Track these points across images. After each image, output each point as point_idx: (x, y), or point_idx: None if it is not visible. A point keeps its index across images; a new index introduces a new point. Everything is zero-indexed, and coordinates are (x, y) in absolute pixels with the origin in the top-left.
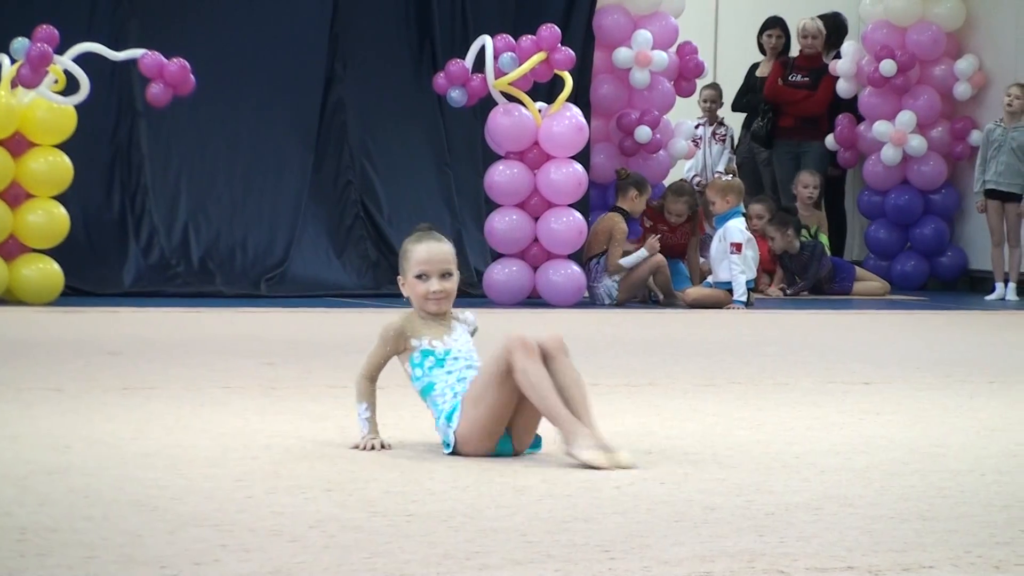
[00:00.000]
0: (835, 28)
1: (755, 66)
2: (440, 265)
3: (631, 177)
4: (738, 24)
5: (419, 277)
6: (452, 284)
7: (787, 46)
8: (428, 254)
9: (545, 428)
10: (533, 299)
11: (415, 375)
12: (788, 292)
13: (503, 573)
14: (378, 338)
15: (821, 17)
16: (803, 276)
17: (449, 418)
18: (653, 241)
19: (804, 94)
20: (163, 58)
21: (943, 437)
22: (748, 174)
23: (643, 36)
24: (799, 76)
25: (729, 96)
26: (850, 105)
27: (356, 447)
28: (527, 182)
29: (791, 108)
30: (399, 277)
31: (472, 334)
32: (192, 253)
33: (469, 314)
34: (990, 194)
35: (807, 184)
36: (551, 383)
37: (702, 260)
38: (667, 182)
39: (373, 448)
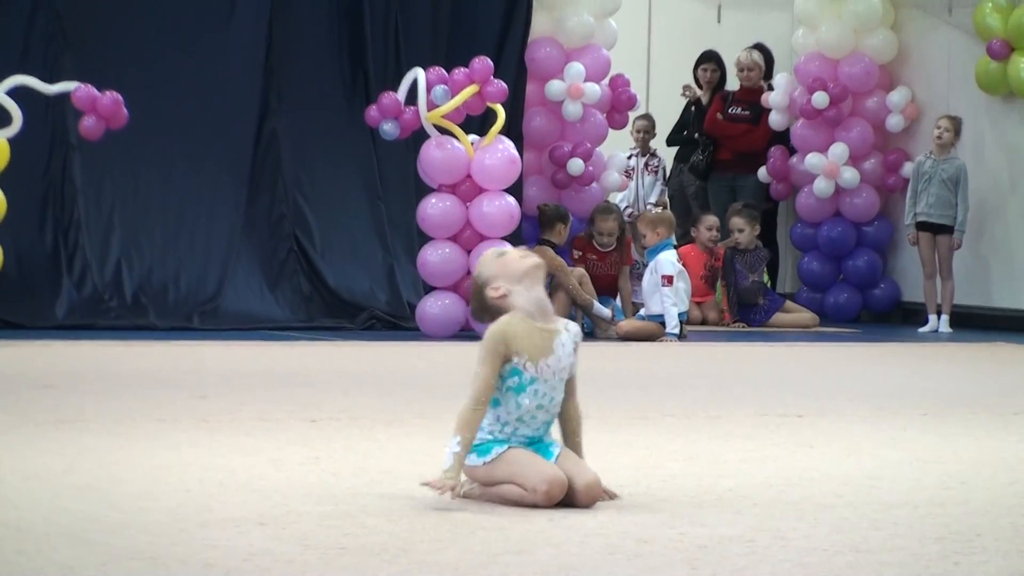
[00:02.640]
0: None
1: (691, 102)
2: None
3: (555, 211)
4: (670, 56)
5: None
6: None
7: (723, 79)
8: (517, 253)
9: None
10: (466, 331)
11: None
12: (738, 320)
13: None
14: (484, 352)
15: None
16: (754, 272)
17: (478, 451)
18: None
19: (744, 128)
20: (96, 91)
21: (876, 469)
22: (678, 206)
23: (576, 69)
24: (739, 109)
25: (662, 127)
26: (783, 137)
27: (428, 484)
28: (460, 215)
29: (730, 142)
30: (496, 289)
31: (574, 350)
32: (125, 287)
33: (573, 325)
34: (921, 226)
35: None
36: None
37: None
38: None
39: (444, 493)
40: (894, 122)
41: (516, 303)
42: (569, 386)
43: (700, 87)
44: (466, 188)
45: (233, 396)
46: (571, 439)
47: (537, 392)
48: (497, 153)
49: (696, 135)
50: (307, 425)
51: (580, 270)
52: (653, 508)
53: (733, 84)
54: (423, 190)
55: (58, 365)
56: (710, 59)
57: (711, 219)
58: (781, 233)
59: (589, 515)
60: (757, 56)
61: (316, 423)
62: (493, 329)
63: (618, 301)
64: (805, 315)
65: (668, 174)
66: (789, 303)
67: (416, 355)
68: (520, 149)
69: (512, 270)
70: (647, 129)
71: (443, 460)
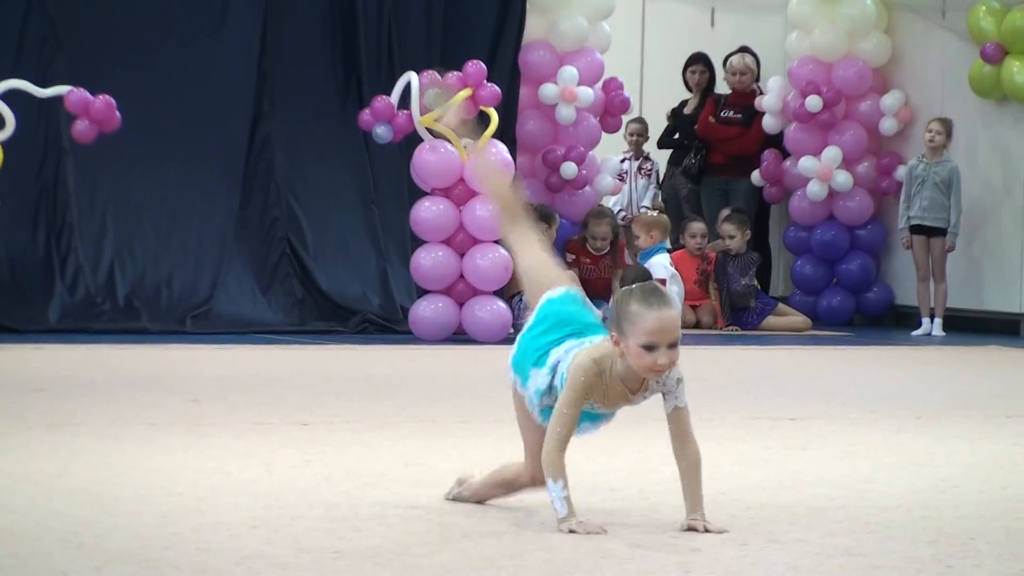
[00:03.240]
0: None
1: (683, 103)
2: (671, 335)
3: (540, 210)
4: (663, 59)
5: (646, 348)
6: (678, 354)
7: (712, 81)
8: (660, 324)
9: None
10: (459, 335)
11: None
12: (731, 323)
13: None
14: (573, 395)
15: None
16: (745, 276)
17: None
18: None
19: (737, 131)
20: (89, 95)
21: (870, 473)
22: (672, 209)
23: (569, 72)
24: (731, 112)
25: (655, 130)
26: (776, 140)
27: (574, 532)
28: (453, 219)
29: (723, 145)
30: (613, 333)
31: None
32: (118, 290)
33: (672, 381)
34: (915, 229)
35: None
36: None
37: None
38: None
39: (597, 532)
40: (887, 125)
41: (620, 361)
42: (673, 428)
43: (690, 89)
44: (459, 192)
45: (226, 400)
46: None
47: (595, 418)
48: (491, 156)
49: (685, 140)
50: (299, 429)
51: (571, 273)
52: (646, 512)
53: (723, 87)
54: (416, 194)
55: (51, 368)
56: (698, 60)
57: (695, 226)
58: (774, 236)
59: (582, 519)
60: (749, 60)
61: (308, 427)
62: (584, 380)
63: (611, 304)
64: (797, 319)
65: (661, 178)
66: (782, 306)
67: (409, 359)
68: (513, 152)
69: (643, 331)
70: (640, 132)
71: (557, 511)
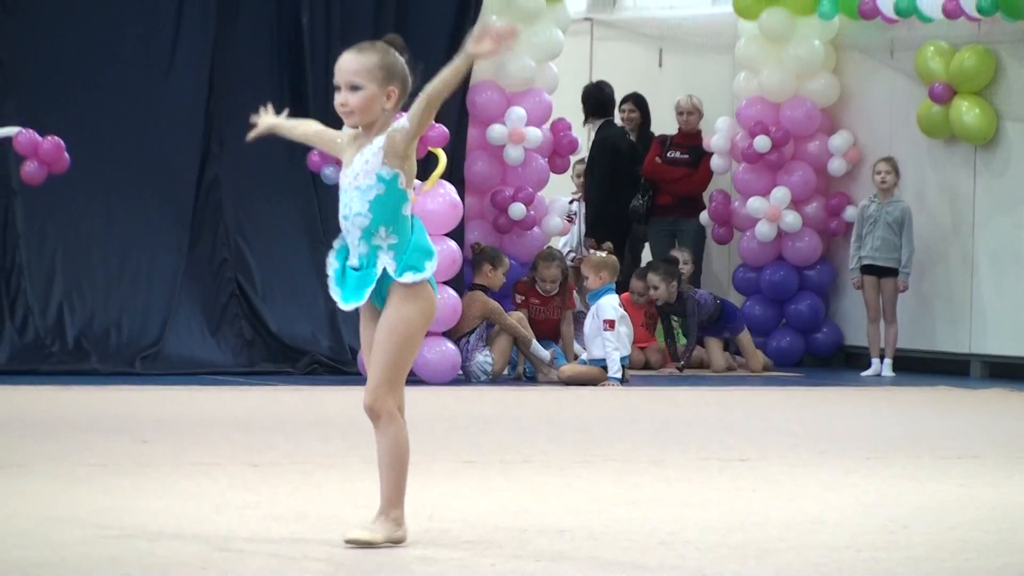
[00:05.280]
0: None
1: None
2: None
3: (485, 252)
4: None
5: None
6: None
7: (645, 121)
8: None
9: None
10: (408, 376)
11: None
12: (681, 364)
13: None
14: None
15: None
16: (683, 324)
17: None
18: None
19: (684, 172)
20: (38, 136)
21: (819, 513)
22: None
23: (517, 113)
24: (678, 153)
25: None
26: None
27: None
28: None
29: (670, 186)
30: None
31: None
32: (67, 332)
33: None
34: (866, 270)
35: (685, 261)
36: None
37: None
38: None
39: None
40: (836, 166)
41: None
42: None
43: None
44: None
45: (175, 441)
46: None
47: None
48: (439, 198)
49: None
50: (249, 470)
51: (519, 314)
52: (595, 552)
53: (663, 128)
54: None
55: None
56: (628, 99)
57: (635, 283)
58: (724, 276)
59: (531, 560)
60: (697, 100)
61: (258, 468)
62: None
63: (560, 346)
64: (755, 359)
65: None
66: (745, 339)
67: (357, 400)
68: (462, 193)
69: None
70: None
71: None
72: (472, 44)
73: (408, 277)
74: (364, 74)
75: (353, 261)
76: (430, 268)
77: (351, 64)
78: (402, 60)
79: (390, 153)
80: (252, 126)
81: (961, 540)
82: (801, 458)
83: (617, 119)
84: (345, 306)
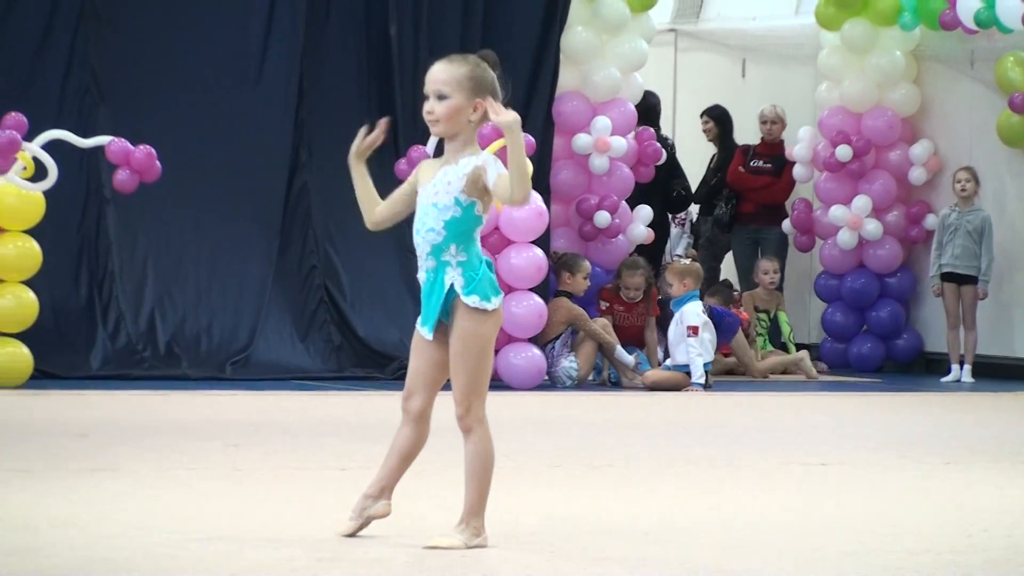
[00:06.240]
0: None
1: (713, 156)
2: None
3: (562, 259)
4: (695, 109)
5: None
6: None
7: (725, 132)
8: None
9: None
10: (494, 382)
11: None
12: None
13: None
14: None
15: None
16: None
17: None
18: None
19: (767, 180)
20: (130, 145)
21: (899, 517)
22: (707, 259)
23: (602, 122)
24: (760, 162)
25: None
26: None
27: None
28: None
29: (753, 195)
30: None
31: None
32: (158, 338)
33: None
34: (946, 277)
35: (767, 271)
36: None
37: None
38: None
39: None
40: (916, 175)
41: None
42: None
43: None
44: (494, 240)
45: (264, 446)
46: None
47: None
48: (525, 206)
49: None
50: (338, 474)
51: (603, 320)
52: (679, 556)
53: (746, 138)
54: None
55: (92, 414)
56: (704, 113)
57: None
58: (805, 284)
59: (615, 563)
60: (780, 110)
61: (347, 472)
62: None
63: (644, 351)
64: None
65: (694, 226)
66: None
67: (445, 406)
68: (547, 202)
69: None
70: None
71: None
72: (501, 118)
73: (474, 301)
74: (452, 84)
75: (420, 275)
76: (495, 303)
77: (440, 74)
78: (492, 75)
79: (470, 185)
80: (340, 135)
81: None
82: (881, 463)
83: (664, 129)
84: (428, 335)
